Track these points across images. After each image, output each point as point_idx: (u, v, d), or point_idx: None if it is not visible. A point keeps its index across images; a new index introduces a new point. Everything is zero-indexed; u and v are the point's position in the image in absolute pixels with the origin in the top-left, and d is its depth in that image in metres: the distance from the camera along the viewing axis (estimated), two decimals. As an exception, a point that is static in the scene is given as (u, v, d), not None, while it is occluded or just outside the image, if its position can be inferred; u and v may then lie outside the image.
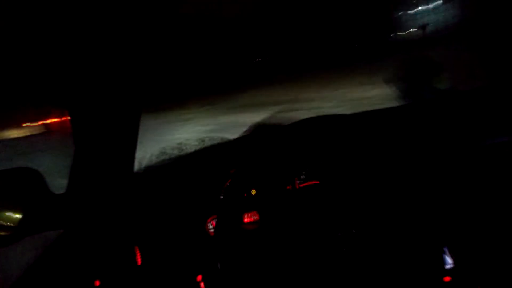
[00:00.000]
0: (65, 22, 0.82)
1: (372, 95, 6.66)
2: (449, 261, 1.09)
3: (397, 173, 1.30)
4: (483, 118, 1.25)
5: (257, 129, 1.48)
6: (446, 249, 1.10)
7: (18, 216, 0.92)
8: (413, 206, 1.21)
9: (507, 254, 1.07)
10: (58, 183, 1.03)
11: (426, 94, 1.94)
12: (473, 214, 1.14)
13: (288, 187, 1.41)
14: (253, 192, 1.39)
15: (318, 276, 1.09)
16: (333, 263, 1.11)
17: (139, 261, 1.04)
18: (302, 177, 1.44)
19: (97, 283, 0.97)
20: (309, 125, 1.33)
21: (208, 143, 1.66)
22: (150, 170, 1.30)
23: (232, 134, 1.47)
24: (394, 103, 1.46)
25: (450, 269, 1.08)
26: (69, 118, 0.98)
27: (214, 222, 1.23)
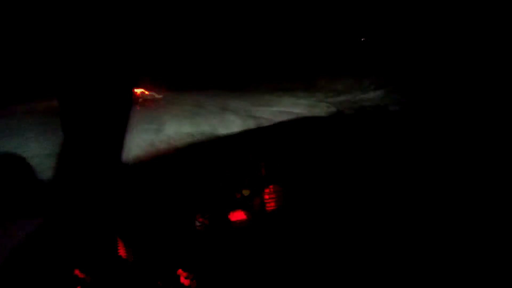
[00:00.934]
0: (56, 9, 0.81)
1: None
2: None
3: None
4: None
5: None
6: None
7: (1, 202, 0.91)
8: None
9: None
10: (45, 170, 1.01)
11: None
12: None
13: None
14: (245, 193, 1.39)
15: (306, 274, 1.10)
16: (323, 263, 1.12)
17: (121, 252, 1.04)
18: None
19: (77, 271, 0.97)
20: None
21: (197, 138, 1.65)
22: (138, 162, 1.29)
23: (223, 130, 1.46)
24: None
25: None
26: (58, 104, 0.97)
27: (202, 219, 1.23)
